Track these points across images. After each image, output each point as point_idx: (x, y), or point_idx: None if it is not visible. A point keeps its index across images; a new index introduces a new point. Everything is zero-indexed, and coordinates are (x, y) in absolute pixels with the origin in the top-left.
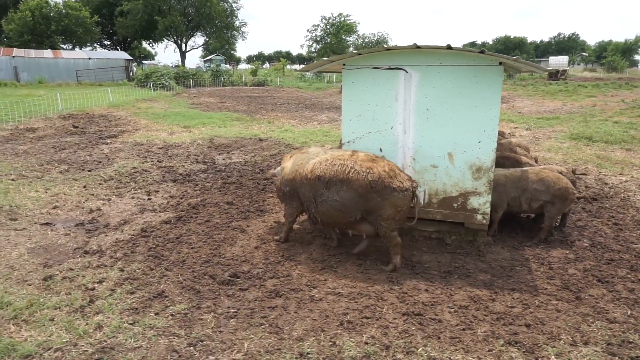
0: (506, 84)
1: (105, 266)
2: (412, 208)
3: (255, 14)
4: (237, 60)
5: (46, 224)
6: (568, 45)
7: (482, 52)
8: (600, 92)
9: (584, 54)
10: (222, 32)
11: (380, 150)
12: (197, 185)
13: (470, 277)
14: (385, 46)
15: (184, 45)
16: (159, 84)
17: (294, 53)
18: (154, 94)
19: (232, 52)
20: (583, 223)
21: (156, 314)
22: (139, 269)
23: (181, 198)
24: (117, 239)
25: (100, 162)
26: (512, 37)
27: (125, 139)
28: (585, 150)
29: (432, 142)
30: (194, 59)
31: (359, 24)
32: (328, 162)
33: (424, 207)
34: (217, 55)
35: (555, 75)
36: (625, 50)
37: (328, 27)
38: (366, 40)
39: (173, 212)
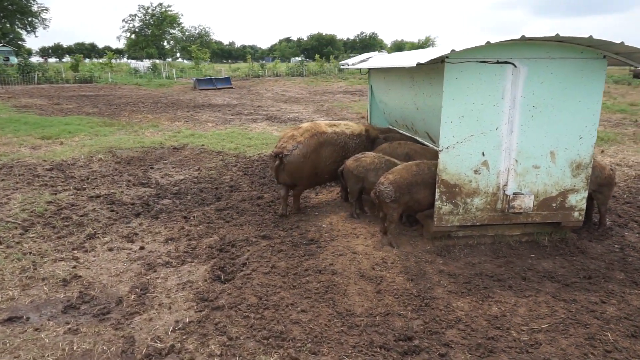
0: (356, 79)
1: None
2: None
3: None
4: (28, 53)
5: (10, 319)
6: (370, 43)
7: (589, 46)
8: None
9: (383, 51)
10: (15, 17)
11: (483, 154)
12: (186, 219)
13: (611, 279)
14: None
15: None
16: None
17: (100, 45)
18: None
19: (21, 42)
20: None
21: None
22: None
23: (189, 239)
24: (176, 321)
25: None
26: (324, 34)
27: None
28: None
29: (536, 142)
30: None
31: (182, 15)
32: None
33: (523, 212)
34: (3, 45)
35: None
36: (419, 48)
37: (147, 17)
38: (187, 33)
39: (202, 262)
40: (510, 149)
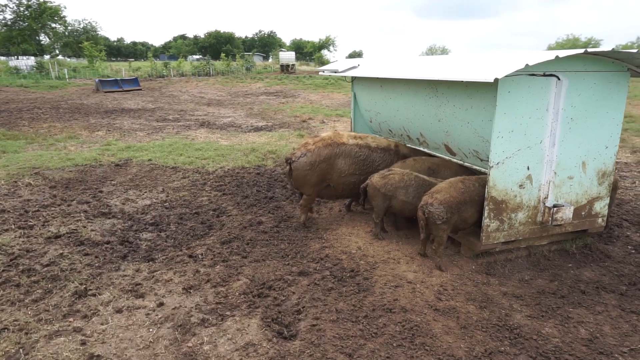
0: (270, 79)
1: None
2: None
3: None
4: None
5: None
6: (269, 41)
7: (617, 59)
8: None
9: (283, 50)
10: None
11: (528, 168)
12: (193, 258)
13: None
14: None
15: None
16: None
17: None
18: None
19: None
20: None
21: None
22: None
23: (213, 286)
24: None
25: None
26: (222, 31)
27: None
28: None
29: (571, 153)
30: None
31: (64, 8)
32: None
33: (564, 223)
34: None
35: (286, 68)
36: (320, 47)
37: (22, 9)
38: (70, 28)
39: (246, 315)
40: (552, 161)
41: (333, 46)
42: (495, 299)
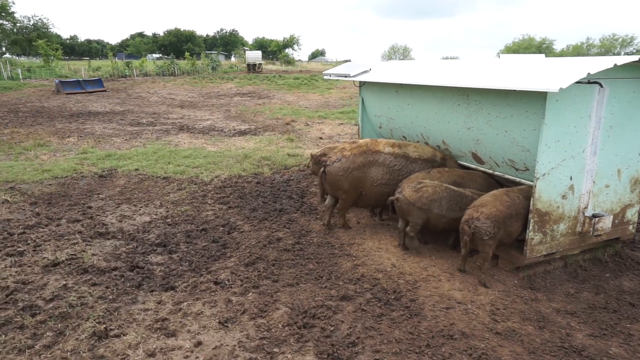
0: (239, 78)
1: None
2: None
3: None
4: None
5: None
6: (231, 40)
7: None
8: (333, 85)
9: (246, 48)
10: None
11: (571, 178)
12: (220, 285)
13: None
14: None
15: None
16: None
17: None
18: None
19: None
20: None
21: None
22: None
23: (251, 318)
24: None
25: None
26: (182, 29)
27: None
28: None
29: (608, 161)
30: None
31: (13, 4)
32: None
33: (603, 233)
34: None
35: (253, 67)
36: (285, 46)
37: None
38: (18, 25)
39: (296, 350)
40: (592, 170)
41: (297, 45)
42: (550, 317)
